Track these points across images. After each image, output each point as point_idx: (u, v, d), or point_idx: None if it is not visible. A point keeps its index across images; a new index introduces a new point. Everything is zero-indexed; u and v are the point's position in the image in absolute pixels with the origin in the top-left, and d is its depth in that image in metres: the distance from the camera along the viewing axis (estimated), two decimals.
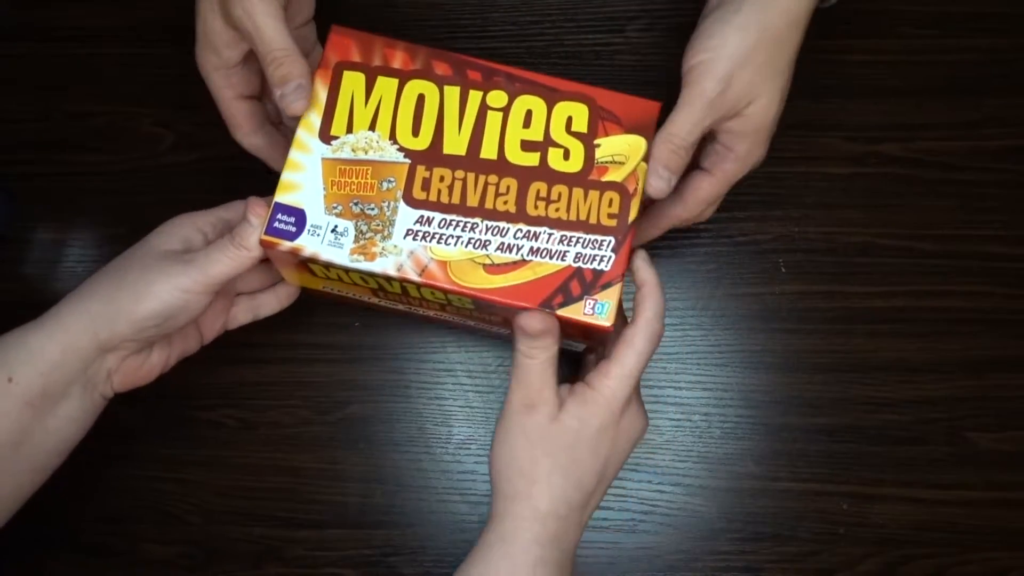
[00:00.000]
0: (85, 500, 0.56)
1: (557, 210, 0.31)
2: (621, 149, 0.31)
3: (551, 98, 0.30)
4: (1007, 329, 0.56)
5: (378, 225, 0.34)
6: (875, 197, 0.58)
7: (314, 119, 0.34)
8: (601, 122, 0.30)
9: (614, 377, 0.42)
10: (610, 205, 0.31)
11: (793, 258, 0.57)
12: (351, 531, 0.55)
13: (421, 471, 0.56)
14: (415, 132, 0.30)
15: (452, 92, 0.29)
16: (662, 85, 0.60)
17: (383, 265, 0.33)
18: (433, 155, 0.30)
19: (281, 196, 0.36)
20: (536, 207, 0.30)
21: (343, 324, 0.57)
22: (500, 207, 0.31)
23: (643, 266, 0.43)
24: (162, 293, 0.43)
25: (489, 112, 0.29)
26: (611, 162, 0.31)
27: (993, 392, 0.55)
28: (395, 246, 0.33)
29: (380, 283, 0.36)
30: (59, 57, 0.62)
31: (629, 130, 0.31)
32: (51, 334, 0.44)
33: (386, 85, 0.31)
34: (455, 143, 0.30)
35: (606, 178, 0.30)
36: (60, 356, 0.43)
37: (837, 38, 0.60)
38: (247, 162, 0.60)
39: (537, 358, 0.43)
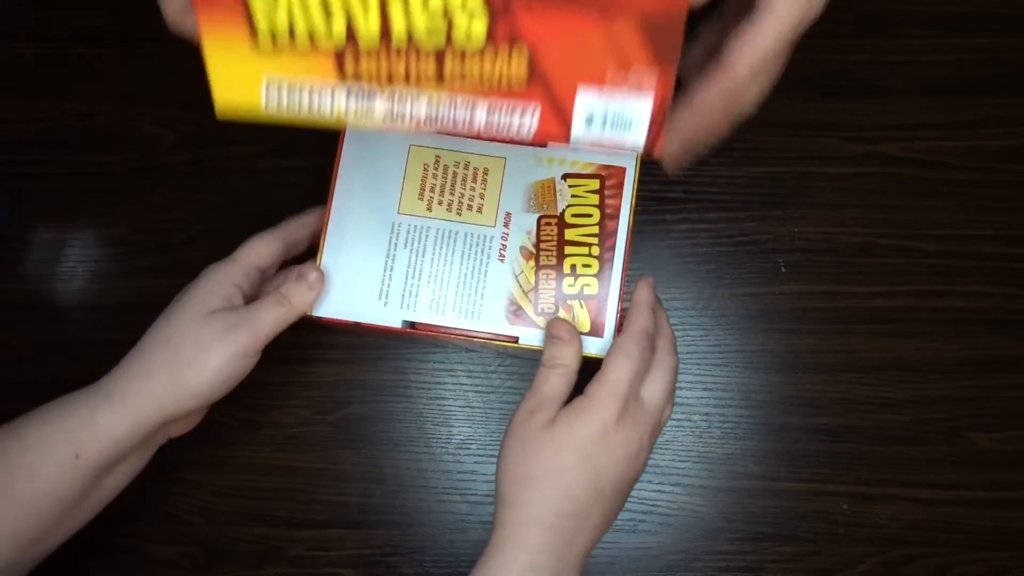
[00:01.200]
0: None
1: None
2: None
3: None
4: (1007, 329, 0.56)
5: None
6: (875, 197, 0.58)
7: None
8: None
9: (603, 384, 0.43)
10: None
11: (793, 258, 0.57)
12: (351, 531, 0.55)
13: (421, 471, 0.56)
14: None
15: None
16: None
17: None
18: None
19: None
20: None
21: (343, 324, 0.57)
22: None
23: (640, 288, 0.47)
24: (222, 366, 0.45)
25: None
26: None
27: (993, 392, 0.55)
28: None
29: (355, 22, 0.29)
30: (59, 57, 0.62)
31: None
32: (120, 415, 0.45)
33: None
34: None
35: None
36: (128, 433, 0.45)
37: (837, 38, 0.60)
38: (247, 162, 0.60)
39: (556, 369, 0.44)
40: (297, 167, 0.60)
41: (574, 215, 0.49)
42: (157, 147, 0.60)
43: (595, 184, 0.49)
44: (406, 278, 0.49)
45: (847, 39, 0.60)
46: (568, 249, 0.48)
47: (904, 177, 0.58)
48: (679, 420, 0.56)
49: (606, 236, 0.48)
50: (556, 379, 0.44)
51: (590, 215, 0.49)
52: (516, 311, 0.48)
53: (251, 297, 0.49)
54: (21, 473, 0.44)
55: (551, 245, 0.48)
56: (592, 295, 0.48)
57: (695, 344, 0.57)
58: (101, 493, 0.47)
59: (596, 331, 0.48)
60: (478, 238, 0.49)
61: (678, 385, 0.56)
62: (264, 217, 0.59)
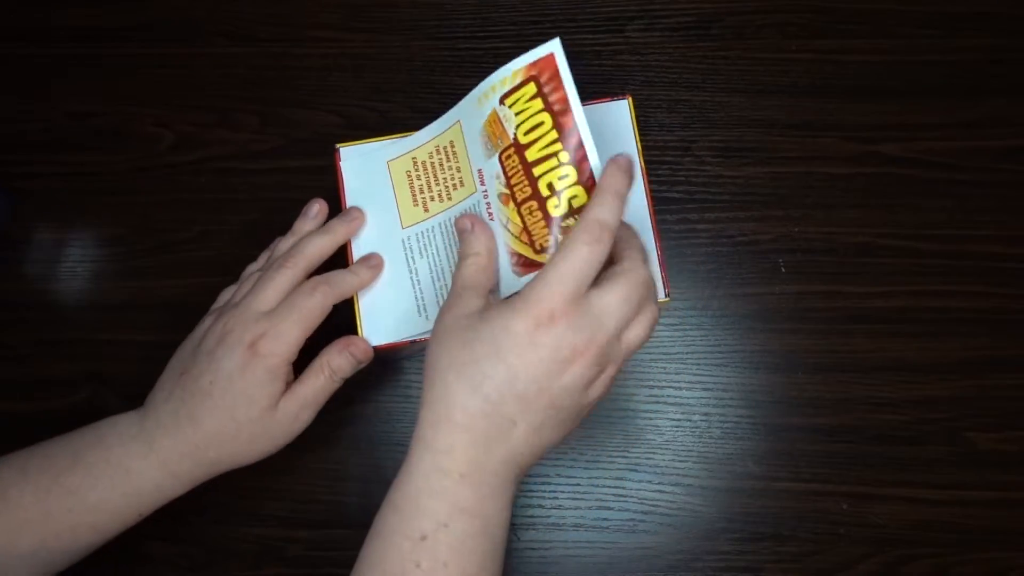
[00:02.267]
0: None
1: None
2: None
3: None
4: (1007, 329, 0.56)
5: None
6: (875, 197, 0.58)
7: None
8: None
9: (538, 278, 0.38)
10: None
11: (793, 258, 0.57)
12: (351, 531, 0.55)
13: None
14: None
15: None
16: (662, 85, 0.60)
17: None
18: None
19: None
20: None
21: (343, 324, 0.57)
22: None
23: (609, 170, 0.40)
24: (282, 439, 0.49)
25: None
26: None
27: (993, 392, 0.55)
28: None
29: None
30: (59, 57, 0.62)
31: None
32: (185, 485, 0.49)
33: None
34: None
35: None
36: (181, 489, 0.49)
37: (837, 38, 0.60)
38: (246, 163, 0.60)
39: (467, 259, 0.43)
40: (297, 167, 0.60)
41: (526, 132, 0.43)
42: (157, 147, 0.60)
43: (531, 89, 0.43)
44: (433, 283, 0.50)
45: (847, 39, 0.60)
46: (536, 170, 0.42)
47: (904, 177, 0.58)
48: (679, 420, 0.56)
49: (567, 136, 0.42)
50: (468, 269, 0.42)
51: (541, 123, 0.42)
52: (520, 261, 0.44)
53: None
54: (85, 531, 0.47)
55: (520, 176, 0.43)
56: (583, 204, 0.42)
57: (695, 344, 0.57)
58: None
59: None
60: (469, 210, 0.48)
61: (678, 385, 0.56)
62: (264, 217, 0.59)
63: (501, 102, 0.44)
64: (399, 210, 0.51)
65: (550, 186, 0.42)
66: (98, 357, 0.58)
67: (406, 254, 0.50)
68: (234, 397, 0.46)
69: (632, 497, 0.55)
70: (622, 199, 0.39)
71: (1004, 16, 0.60)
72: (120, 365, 0.57)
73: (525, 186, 0.43)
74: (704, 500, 0.55)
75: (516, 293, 0.40)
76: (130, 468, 0.46)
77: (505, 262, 0.44)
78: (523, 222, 0.43)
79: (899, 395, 0.55)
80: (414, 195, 0.50)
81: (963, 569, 0.53)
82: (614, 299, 0.38)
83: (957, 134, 0.58)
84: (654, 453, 0.56)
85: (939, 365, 0.56)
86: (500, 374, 0.38)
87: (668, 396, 0.56)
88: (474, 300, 0.41)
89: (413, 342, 0.50)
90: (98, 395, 0.57)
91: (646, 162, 0.55)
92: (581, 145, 0.41)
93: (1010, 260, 0.57)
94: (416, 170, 0.51)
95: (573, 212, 0.41)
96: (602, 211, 0.38)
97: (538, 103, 0.42)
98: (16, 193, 0.60)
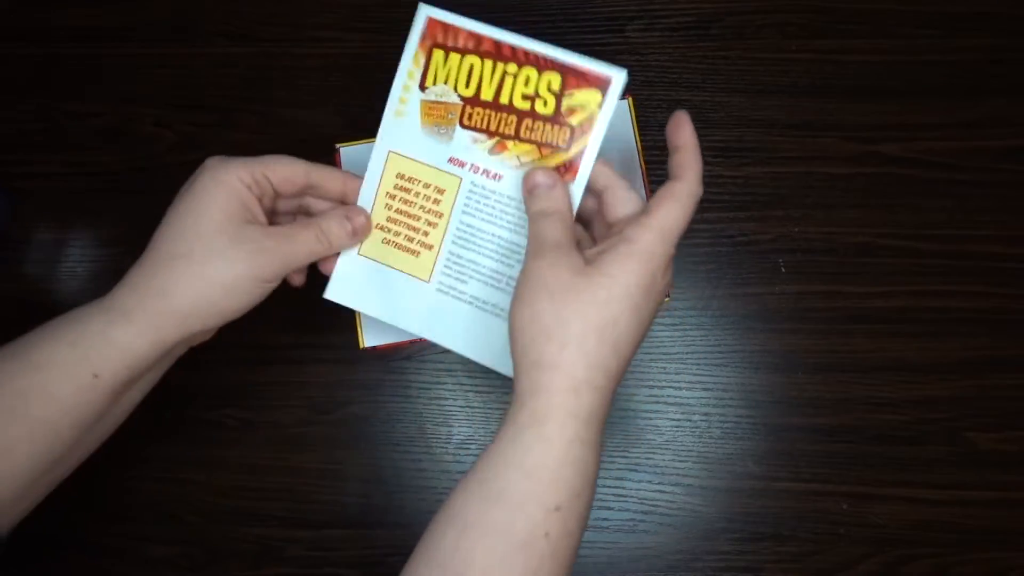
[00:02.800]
0: (86, 500, 0.56)
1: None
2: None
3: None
4: (1007, 329, 0.56)
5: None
6: (875, 197, 0.58)
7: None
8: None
9: (656, 230, 0.38)
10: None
11: (793, 258, 0.57)
12: (351, 531, 0.55)
13: (421, 471, 0.56)
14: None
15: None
16: (662, 85, 0.60)
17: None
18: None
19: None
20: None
21: (343, 324, 0.57)
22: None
23: (682, 126, 0.40)
24: (252, 289, 0.42)
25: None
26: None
27: (993, 392, 0.55)
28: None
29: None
30: (59, 57, 0.62)
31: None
32: (140, 333, 0.41)
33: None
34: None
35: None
36: (148, 351, 0.42)
37: (837, 38, 0.60)
38: None
39: (551, 217, 0.41)
40: None
41: (466, 85, 0.44)
42: (157, 147, 0.60)
43: (438, 55, 0.45)
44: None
45: (847, 39, 0.60)
46: (503, 98, 0.44)
47: (904, 177, 0.58)
48: (679, 420, 0.56)
49: (501, 52, 0.44)
50: (554, 226, 0.40)
51: (471, 66, 0.44)
52: (563, 171, 0.44)
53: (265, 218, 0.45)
54: (36, 394, 0.40)
55: (495, 117, 0.44)
56: (558, 81, 0.43)
57: (695, 344, 0.57)
58: (118, 411, 0.44)
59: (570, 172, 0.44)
60: (468, 203, 0.46)
61: (678, 385, 0.56)
62: None
63: (423, 90, 0.45)
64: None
65: (524, 97, 0.44)
66: None
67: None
68: (181, 212, 0.42)
69: (632, 497, 0.55)
70: (699, 154, 0.40)
71: (1004, 16, 0.60)
72: None
73: (506, 118, 0.44)
74: (704, 500, 0.55)
75: (618, 234, 0.40)
76: (75, 319, 0.42)
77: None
78: (535, 141, 0.44)
79: (899, 395, 0.55)
80: (409, 251, 0.48)
81: (963, 569, 0.53)
82: (686, 223, 0.40)
83: (957, 134, 0.58)
84: (654, 453, 0.56)
85: (939, 365, 0.56)
86: (635, 332, 0.38)
87: (668, 396, 0.56)
88: (576, 256, 0.39)
89: (413, 342, 0.50)
90: None
91: (646, 162, 0.55)
92: (512, 45, 0.44)
93: (1010, 260, 0.57)
94: (389, 230, 0.47)
95: (558, 92, 0.44)
96: (694, 173, 0.40)
97: (454, 56, 0.45)
98: (16, 193, 0.60)
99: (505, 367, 0.44)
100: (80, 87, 0.61)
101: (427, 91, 0.45)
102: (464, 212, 0.46)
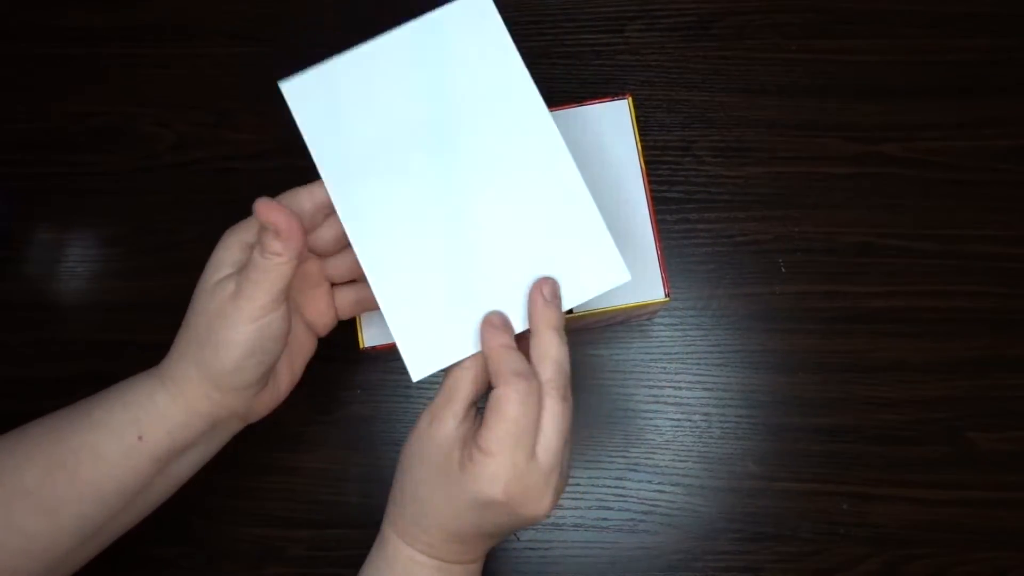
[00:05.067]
0: None
1: None
2: None
3: None
4: (1007, 329, 0.56)
5: None
6: (875, 197, 0.58)
7: None
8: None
9: (491, 455, 0.38)
10: None
11: (793, 258, 0.57)
12: (351, 531, 0.55)
13: None
14: None
15: None
16: (662, 85, 0.60)
17: None
18: None
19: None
20: None
21: (343, 324, 0.57)
22: None
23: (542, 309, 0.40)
24: (235, 336, 0.40)
25: None
26: None
27: (993, 392, 0.55)
28: None
29: None
30: (59, 57, 0.62)
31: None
32: (174, 397, 0.42)
33: None
34: None
35: None
36: (185, 418, 0.42)
37: (837, 38, 0.60)
38: (246, 163, 0.60)
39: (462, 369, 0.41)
40: (297, 167, 0.60)
41: None
42: (157, 147, 0.60)
43: None
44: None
45: (847, 39, 0.60)
46: None
47: (904, 177, 0.58)
48: (679, 420, 0.56)
49: None
50: (465, 378, 0.41)
51: None
52: None
53: None
54: (87, 454, 0.41)
55: None
56: None
57: (695, 344, 0.57)
58: (165, 483, 0.44)
59: None
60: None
61: (678, 385, 0.56)
62: None
63: None
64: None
65: None
66: (98, 357, 0.58)
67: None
68: (202, 288, 0.42)
69: (632, 497, 0.55)
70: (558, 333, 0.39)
71: (1004, 16, 0.60)
72: (120, 365, 0.57)
73: None
74: (704, 500, 0.55)
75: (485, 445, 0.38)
76: (128, 384, 0.43)
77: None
78: None
79: (899, 395, 0.55)
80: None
81: (963, 569, 0.53)
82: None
83: (957, 134, 0.58)
84: (654, 453, 0.56)
85: (939, 365, 0.56)
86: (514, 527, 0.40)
87: (668, 396, 0.56)
88: (466, 422, 0.40)
89: None
90: None
91: (646, 162, 0.55)
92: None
93: (1010, 260, 0.57)
94: None
95: None
96: (559, 352, 0.39)
97: None
98: (16, 193, 0.60)
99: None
100: (80, 87, 0.61)
101: None
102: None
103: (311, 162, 0.62)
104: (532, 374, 0.38)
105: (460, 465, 0.38)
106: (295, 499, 0.55)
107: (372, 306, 0.45)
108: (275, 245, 0.39)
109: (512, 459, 0.37)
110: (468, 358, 0.40)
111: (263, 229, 0.40)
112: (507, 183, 0.41)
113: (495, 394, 0.38)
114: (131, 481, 0.42)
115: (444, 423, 0.40)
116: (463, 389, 0.40)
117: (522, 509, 0.38)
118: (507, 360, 0.38)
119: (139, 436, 0.42)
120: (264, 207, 0.40)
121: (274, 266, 0.40)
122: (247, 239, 0.42)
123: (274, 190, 0.59)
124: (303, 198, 0.43)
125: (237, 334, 0.40)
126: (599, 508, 0.55)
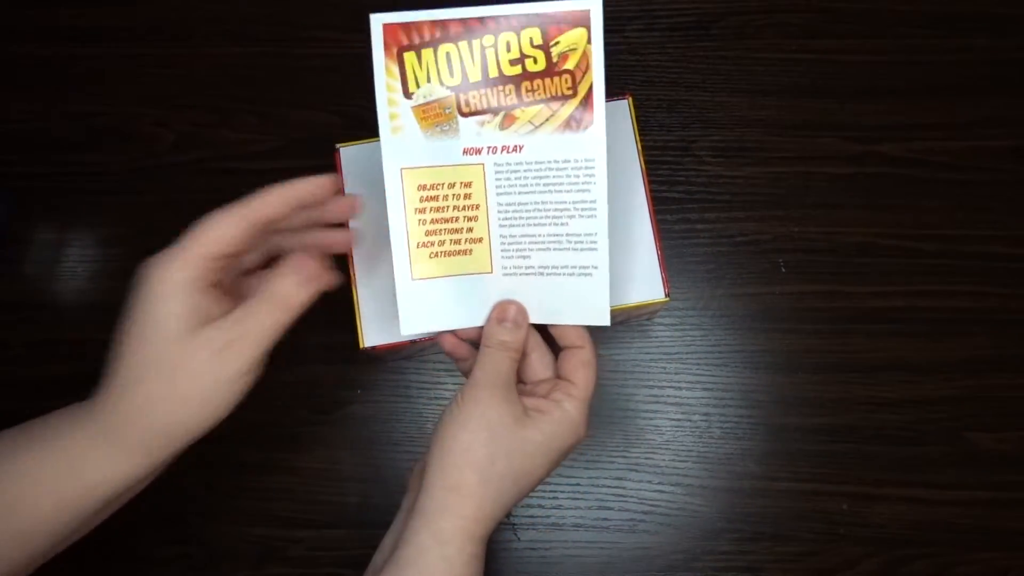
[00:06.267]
0: None
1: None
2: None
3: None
4: (1007, 329, 0.56)
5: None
6: (875, 197, 0.58)
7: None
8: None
9: (583, 401, 0.42)
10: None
11: (793, 258, 0.57)
12: (351, 531, 0.55)
13: None
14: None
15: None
16: (662, 85, 0.60)
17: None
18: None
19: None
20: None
21: (343, 324, 0.57)
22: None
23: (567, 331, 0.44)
24: (229, 394, 0.39)
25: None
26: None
27: (993, 392, 0.55)
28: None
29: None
30: (59, 57, 0.62)
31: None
32: (130, 454, 0.39)
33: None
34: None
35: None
36: (140, 472, 0.40)
37: (837, 38, 0.60)
38: (246, 163, 0.60)
39: (511, 348, 0.43)
40: (297, 167, 0.59)
41: (450, 74, 0.43)
42: (157, 147, 0.60)
43: (410, 57, 0.44)
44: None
45: (847, 39, 0.60)
46: (490, 71, 0.43)
47: (904, 177, 0.58)
48: (679, 420, 0.56)
49: (449, 32, 0.43)
50: (510, 363, 0.42)
51: (448, 53, 0.43)
52: (579, 113, 0.43)
53: (228, 291, 0.41)
54: (21, 506, 0.38)
55: (489, 94, 0.43)
56: (539, 37, 0.42)
57: (695, 344, 0.57)
58: (98, 517, 0.42)
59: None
60: (498, 185, 0.45)
61: (678, 385, 0.56)
62: None
63: (409, 97, 0.44)
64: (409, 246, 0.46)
65: (511, 62, 0.43)
66: (98, 357, 0.58)
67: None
68: (132, 334, 0.38)
69: (632, 497, 0.55)
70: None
71: (1004, 16, 0.60)
72: None
73: (504, 89, 0.44)
74: (704, 500, 0.55)
75: (553, 400, 0.42)
76: (63, 427, 0.40)
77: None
78: (541, 100, 0.43)
79: (899, 395, 0.55)
80: (460, 253, 0.46)
81: (963, 569, 0.53)
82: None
83: (957, 134, 0.58)
84: (654, 453, 0.56)
85: (939, 365, 0.56)
86: (540, 481, 0.42)
87: (668, 396, 0.56)
88: (518, 402, 0.42)
89: (413, 342, 0.50)
90: None
91: (646, 162, 0.55)
92: (479, 18, 0.43)
93: (1010, 260, 0.57)
94: (432, 243, 0.46)
95: (543, 45, 0.43)
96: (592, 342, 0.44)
97: (427, 52, 0.44)
98: (16, 193, 0.60)
99: (597, 317, 0.44)
100: (80, 87, 0.61)
101: (414, 96, 0.44)
102: (499, 193, 0.45)
103: (311, 162, 0.62)
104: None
105: (540, 418, 0.42)
106: (295, 499, 0.55)
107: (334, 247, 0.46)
108: (309, 293, 0.41)
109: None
110: (519, 344, 0.44)
111: (288, 272, 0.41)
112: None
113: (582, 353, 0.43)
114: (66, 529, 0.40)
115: (510, 389, 0.42)
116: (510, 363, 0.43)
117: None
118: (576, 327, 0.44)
119: (80, 494, 0.39)
120: (310, 263, 0.42)
121: (288, 318, 0.40)
122: (194, 275, 0.39)
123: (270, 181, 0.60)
124: (270, 207, 0.41)
125: (234, 389, 0.39)
126: (599, 508, 0.55)
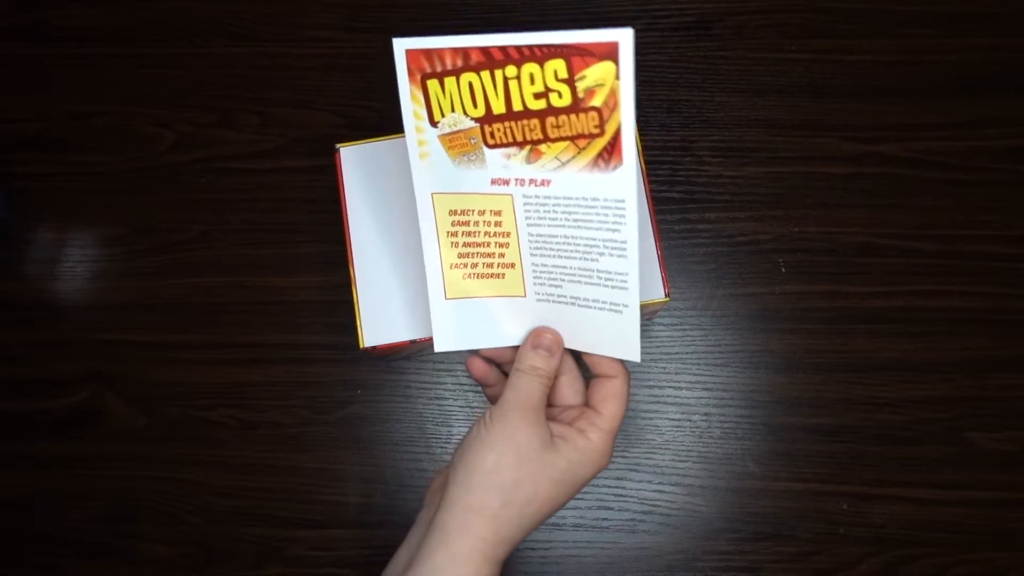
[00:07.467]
0: (86, 500, 0.56)
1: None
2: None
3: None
4: (1007, 329, 0.56)
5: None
6: (875, 197, 0.58)
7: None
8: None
9: (609, 432, 0.42)
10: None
11: (793, 258, 0.57)
12: (351, 531, 0.55)
13: (421, 471, 0.56)
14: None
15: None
16: (662, 85, 0.60)
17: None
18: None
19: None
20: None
21: (343, 324, 0.57)
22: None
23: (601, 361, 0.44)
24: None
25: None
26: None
27: (993, 392, 0.55)
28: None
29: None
30: (59, 57, 0.62)
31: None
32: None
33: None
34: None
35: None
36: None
37: (837, 38, 0.60)
38: (246, 163, 0.60)
39: (543, 374, 0.43)
40: (297, 167, 0.60)
41: (473, 106, 0.42)
42: (157, 147, 0.60)
43: (434, 85, 0.43)
44: None
45: (847, 39, 0.60)
46: (514, 103, 0.41)
47: (904, 177, 0.58)
48: (679, 420, 0.56)
49: (475, 61, 0.41)
50: (541, 388, 0.43)
51: (471, 83, 0.42)
52: (604, 157, 0.42)
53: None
54: None
55: (514, 127, 0.42)
56: (564, 70, 0.41)
57: (695, 344, 0.57)
58: None
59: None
60: (527, 220, 0.44)
61: (678, 385, 0.56)
62: (264, 217, 0.59)
63: (434, 125, 0.43)
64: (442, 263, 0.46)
65: (536, 96, 0.41)
66: (98, 357, 0.58)
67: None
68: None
69: (632, 497, 0.55)
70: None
71: (1004, 16, 0.60)
72: (120, 365, 0.57)
73: (528, 123, 0.42)
74: (704, 500, 0.55)
75: (578, 430, 0.42)
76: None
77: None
78: (567, 137, 0.41)
79: (899, 395, 0.55)
80: (493, 276, 0.46)
81: (963, 569, 0.53)
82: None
83: (957, 134, 0.58)
84: (654, 453, 0.56)
85: (939, 365, 0.56)
86: (560, 506, 0.42)
87: (668, 396, 0.56)
88: (546, 427, 0.42)
89: (413, 342, 0.50)
90: (98, 395, 0.57)
91: (646, 162, 0.55)
92: (500, 47, 0.41)
93: (1010, 260, 0.57)
94: (466, 264, 0.46)
95: (568, 79, 0.41)
96: (626, 373, 0.44)
97: (450, 81, 0.42)
98: (16, 193, 0.60)
99: (628, 352, 0.43)
100: (80, 87, 0.61)
101: (439, 125, 0.43)
102: (529, 224, 0.44)
103: (311, 162, 0.62)
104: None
105: (565, 446, 0.42)
106: (295, 499, 0.55)
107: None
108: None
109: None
110: (552, 372, 0.44)
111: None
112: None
113: (614, 383, 0.43)
114: None
115: (539, 414, 0.42)
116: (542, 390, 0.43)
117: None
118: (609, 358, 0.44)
119: None
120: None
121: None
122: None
123: (273, 190, 0.60)
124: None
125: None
126: (599, 508, 0.55)
